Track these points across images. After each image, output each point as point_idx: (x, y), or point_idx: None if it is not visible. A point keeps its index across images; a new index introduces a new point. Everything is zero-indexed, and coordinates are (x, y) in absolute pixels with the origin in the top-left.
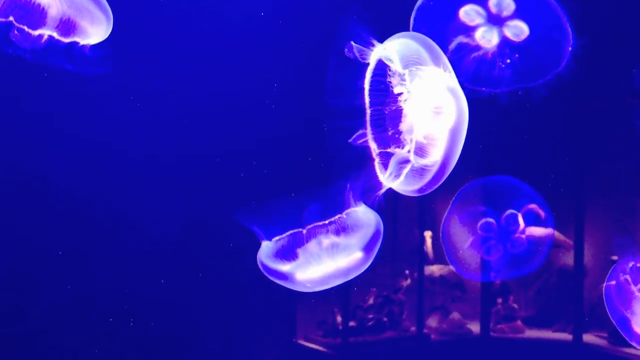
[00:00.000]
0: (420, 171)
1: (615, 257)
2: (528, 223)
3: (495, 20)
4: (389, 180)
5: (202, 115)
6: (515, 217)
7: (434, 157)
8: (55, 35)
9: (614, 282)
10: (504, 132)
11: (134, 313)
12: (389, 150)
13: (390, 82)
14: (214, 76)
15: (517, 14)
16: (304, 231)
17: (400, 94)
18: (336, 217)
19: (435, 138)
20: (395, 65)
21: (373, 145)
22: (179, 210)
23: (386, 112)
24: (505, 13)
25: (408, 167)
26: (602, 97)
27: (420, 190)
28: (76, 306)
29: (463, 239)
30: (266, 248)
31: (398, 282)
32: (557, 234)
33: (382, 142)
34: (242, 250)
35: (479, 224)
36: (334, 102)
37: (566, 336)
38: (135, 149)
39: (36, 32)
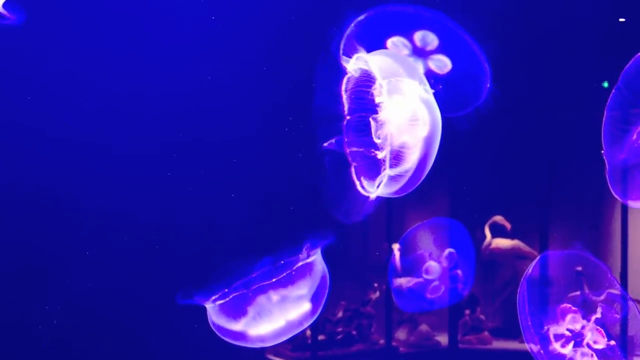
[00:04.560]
0: (395, 177)
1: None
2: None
3: (420, 53)
4: (367, 188)
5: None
6: (453, 255)
7: (409, 164)
8: None
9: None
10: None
11: (104, 326)
12: (366, 154)
13: (369, 91)
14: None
15: (441, 49)
16: (253, 287)
17: (379, 104)
18: (285, 269)
19: (411, 146)
20: (375, 75)
21: (350, 153)
22: (147, 224)
23: (364, 120)
24: (430, 47)
25: (385, 176)
26: (566, 109)
27: (394, 193)
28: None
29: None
30: (213, 309)
31: (367, 295)
32: (522, 245)
33: (359, 150)
34: (212, 265)
35: (423, 267)
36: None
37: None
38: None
39: None
